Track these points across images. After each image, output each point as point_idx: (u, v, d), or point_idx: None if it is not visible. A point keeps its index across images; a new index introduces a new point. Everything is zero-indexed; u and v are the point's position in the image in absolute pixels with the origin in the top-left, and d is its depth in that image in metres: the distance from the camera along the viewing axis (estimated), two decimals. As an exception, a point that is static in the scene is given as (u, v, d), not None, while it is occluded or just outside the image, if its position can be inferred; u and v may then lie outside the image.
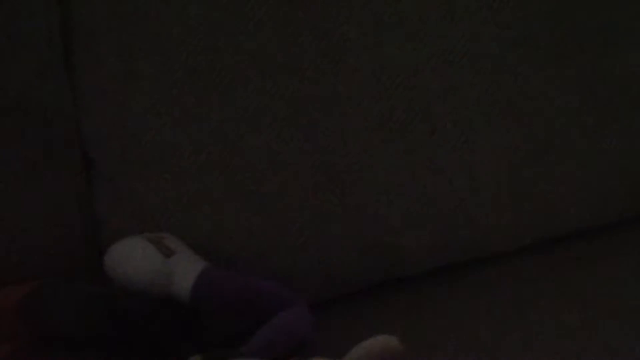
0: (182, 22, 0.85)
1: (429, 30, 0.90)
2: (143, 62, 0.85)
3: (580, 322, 0.85)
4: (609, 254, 0.98)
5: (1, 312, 0.77)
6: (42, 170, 0.85)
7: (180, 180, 0.86)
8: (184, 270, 0.78)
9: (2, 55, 0.82)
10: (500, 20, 0.92)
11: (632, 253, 0.98)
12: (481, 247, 0.98)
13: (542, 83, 0.94)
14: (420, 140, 0.91)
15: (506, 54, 0.92)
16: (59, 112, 0.86)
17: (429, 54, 0.90)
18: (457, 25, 0.90)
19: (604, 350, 0.79)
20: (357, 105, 0.89)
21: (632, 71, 0.97)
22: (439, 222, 0.94)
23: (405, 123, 0.90)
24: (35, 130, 0.84)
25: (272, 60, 0.86)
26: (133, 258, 0.78)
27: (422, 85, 0.90)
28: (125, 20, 0.85)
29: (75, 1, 0.84)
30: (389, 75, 0.89)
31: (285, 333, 0.72)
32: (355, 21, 0.88)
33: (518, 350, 0.82)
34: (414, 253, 0.94)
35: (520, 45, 0.93)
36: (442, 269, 0.98)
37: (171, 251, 0.79)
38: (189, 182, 0.86)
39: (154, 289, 0.77)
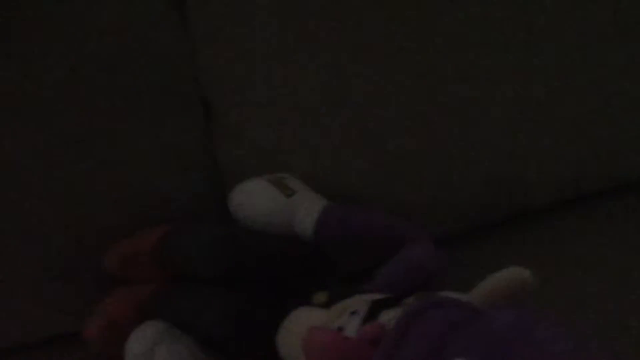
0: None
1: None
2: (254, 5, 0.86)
3: None
4: None
5: (139, 255, 0.81)
6: (164, 118, 0.87)
7: (299, 121, 0.87)
8: (306, 208, 0.78)
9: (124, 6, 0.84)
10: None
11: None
12: (613, 176, 0.94)
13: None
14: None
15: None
16: (179, 59, 0.88)
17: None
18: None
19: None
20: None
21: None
22: (566, 155, 0.91)
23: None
24: (159, 76, 0.86)
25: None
26: (256, 199, 0.79)
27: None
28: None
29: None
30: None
31: (412, 268, 0.71)
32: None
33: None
34: (541, 186, 0.92)
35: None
36: (569, 202, 0.95)
37: (292, 191, 0.80)
38: (308, 122, 0.87)
39: (277, 228, 0.79)
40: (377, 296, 0.64)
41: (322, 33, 0.86)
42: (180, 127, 0.88)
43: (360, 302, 0.63)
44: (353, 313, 0.61)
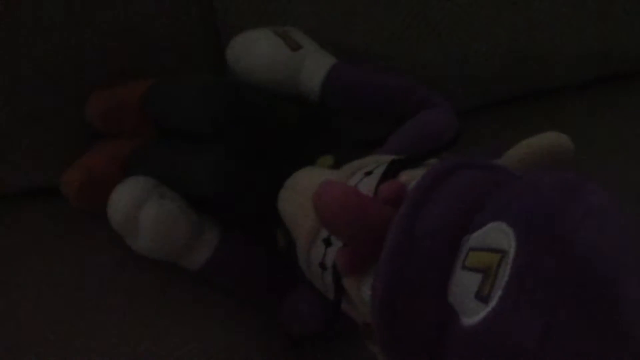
0: None
1: None
2: None
3: None
4: None
5: (126, 107, 0.73)
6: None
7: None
8: (313, 65, 0.70)
9: None
10: None
11: None
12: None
13: None
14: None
15: None
16: None
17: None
18: None
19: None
20: None
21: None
22: (592, 33, 0.83)
23: None
24: None
25: None
26: (258, 49, 0.70)
27: None
28: None
29: None
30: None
31: (428, 134, 0.64)
32: None
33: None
34: (563, 63, 0.84)
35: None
36: (589, 82, 0.88)
37: (298, 45, 0.72)
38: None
39: (279, 84, 0.71)
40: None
41: None
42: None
43: (375, 161, 0.56)
44: (368, 174, 0.54)
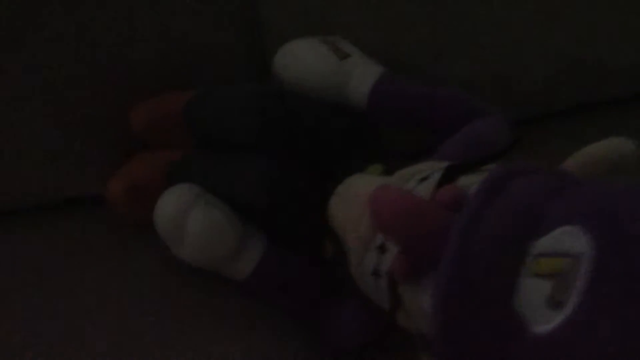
0: None
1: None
2: None
3: None
4: None
5: (169, 118, 0.73)
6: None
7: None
8: (361, 73, 0.69)
9: None
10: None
11: None
12: None
13: None
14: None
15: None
16: None
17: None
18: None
19: None
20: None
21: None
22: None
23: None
24: None
25: None
26: (306, 57, 0.70)
27: None
28: None
29: None
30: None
31: (480, 142, 0.63)
32: None
33: None
34: (626, 73, 0.83)
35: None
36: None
37: (346, 54, 0.71)
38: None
39: (327, 92, 0.70)
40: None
41: None
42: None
43: (430, 167, 0.55)
44: (423, 180, 0.53)
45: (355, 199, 0.56)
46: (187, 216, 0.62)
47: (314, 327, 0.67)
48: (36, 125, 0.74)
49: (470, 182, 0.48)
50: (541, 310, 0.39)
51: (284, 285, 0.66)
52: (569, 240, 0.39)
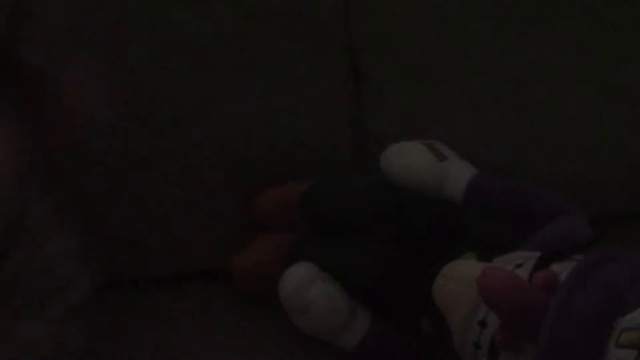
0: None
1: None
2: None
3: None
4: None
5: (286, 204, 0.85)
6: (318, 77, 0.90)
7: (446, 89, 0.89)
8: (457, 173, 0.80)
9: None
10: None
11: None
12: None
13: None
14: None
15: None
16: (332, 25, 0.91)
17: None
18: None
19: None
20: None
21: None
22: None
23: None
24: (310, 35, 0.89)
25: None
26: (410, 157, 0.82)
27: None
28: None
29: None
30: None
31: (564, 237, 0.72)
32: None
33: None
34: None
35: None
36: None
37: (444, 156, 0.82)
38: (454, 91, 0.89)
39: (427, 187, 0.81)
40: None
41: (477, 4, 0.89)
42: (330, 88, 0.91)
43: (523, 257, 0.64)
44: (519, 265, 0.62)
45: (459, 280, 0.65)
46: (308, 289, 0.73)
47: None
48: (167, 205, 0.86)
49: (561, 269, 0.58)
50: None
51: (388, 356, 0.75)
52: None
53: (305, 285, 0.73)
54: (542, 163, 0.89)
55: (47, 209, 0.70)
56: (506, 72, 0.89)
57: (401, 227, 0.77)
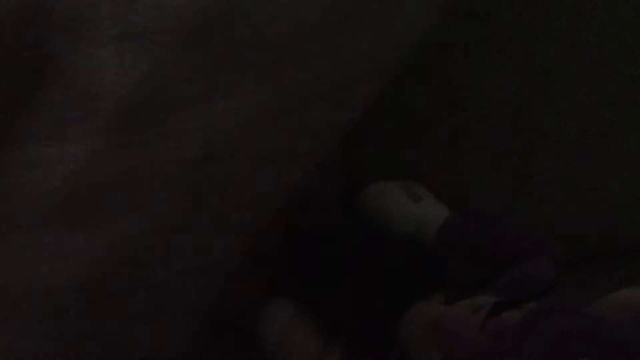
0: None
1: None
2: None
3: None
4: None
5: (268, 237, 0.89)
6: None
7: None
8: (431, 215, 0.84)
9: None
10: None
11: None
12: None
13: None
14: None
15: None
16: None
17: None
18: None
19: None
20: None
21: None
22: None
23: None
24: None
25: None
26: (386, 198, 0.86)
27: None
28: None
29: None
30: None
31: (531, 281, 0.76)
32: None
33: None
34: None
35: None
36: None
37: (419, 197, 0.86)
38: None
39: (401, 227, 0.85)
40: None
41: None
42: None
43: (485, 300, 0.68)
44: (476, 311, 0.66)
45: (421, 322, 0.69)
46: (286, 325, 0.77)
47: None
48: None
49: (514, 317, 0.62)
50: None
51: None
52: None
53: (284, 321, 0.78)
54: (518, 206, 0.93)
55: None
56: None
57: (375, 267, 0.82)
